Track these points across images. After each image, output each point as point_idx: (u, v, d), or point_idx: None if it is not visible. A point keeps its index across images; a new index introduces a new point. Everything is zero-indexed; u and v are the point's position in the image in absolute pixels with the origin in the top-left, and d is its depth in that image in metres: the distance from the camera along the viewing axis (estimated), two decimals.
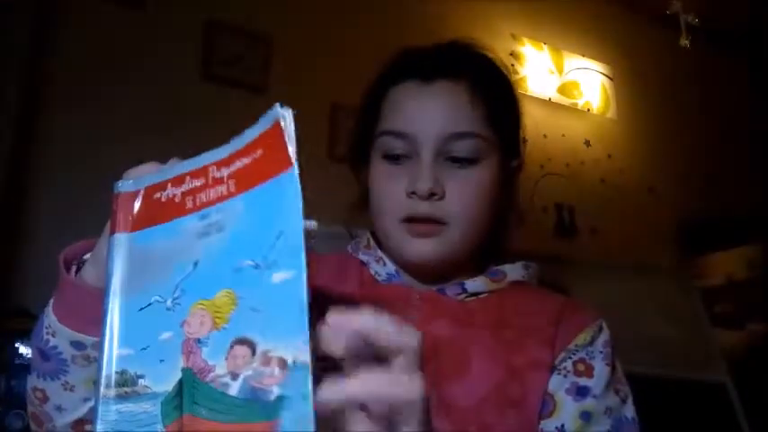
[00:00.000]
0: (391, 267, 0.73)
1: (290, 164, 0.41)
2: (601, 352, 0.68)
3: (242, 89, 2.19)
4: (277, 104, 0.43)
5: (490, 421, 0.62)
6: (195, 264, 0.43)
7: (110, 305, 0.44)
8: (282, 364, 0.37)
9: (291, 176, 0.40)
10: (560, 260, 2.34)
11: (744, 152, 3.22)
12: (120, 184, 0.47)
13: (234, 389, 0.39)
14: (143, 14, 2.08)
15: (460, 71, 0.72)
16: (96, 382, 0.42)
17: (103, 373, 0.42)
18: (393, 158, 0.71)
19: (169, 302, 0.43)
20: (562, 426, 0.63)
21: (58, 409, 0.55)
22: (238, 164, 0.44)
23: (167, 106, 2.00)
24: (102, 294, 0.45)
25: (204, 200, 0.44)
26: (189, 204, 0.44)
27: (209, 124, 2.03)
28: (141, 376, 0.41)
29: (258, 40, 2.27)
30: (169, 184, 0.46)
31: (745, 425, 2.20)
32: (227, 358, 0.39)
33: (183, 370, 0.40)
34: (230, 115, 2.11)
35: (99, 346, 0.43)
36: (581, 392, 0.65)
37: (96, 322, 0.45)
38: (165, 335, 0.42)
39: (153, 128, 1.86)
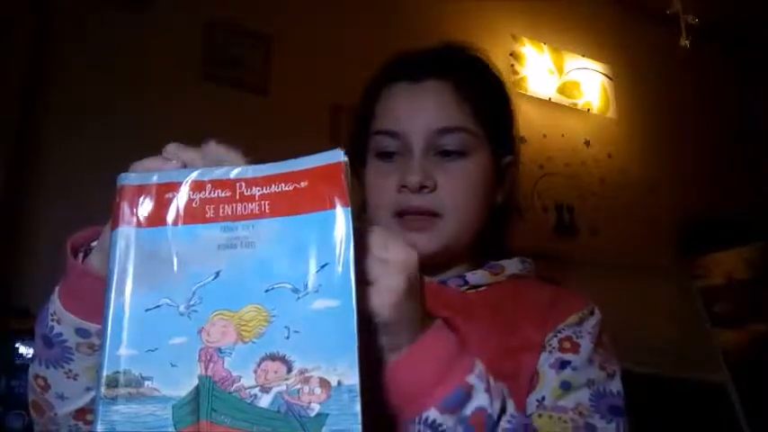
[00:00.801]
0: None
1: (346, 203, 0.43)
2: (590, 333, 0.68)
3: (242, 89, 2.19)
4: (339, 149, 0.45)
5: None
6: (216, 274, 0.43)
7: (112, 302, 0.43)
8: (325, 384, 0.40)
9: (346, 214, 0.43)
10: (560, 260, 2.34)
11: (744, 152, 3.22)
12: (123, 176, 0.47)
13: (265, 401, 0.40)
14: (143, 14, 2.08)
15: (447, 71, 0.75)
16: (97, 381, 0.41)
17: (104, 372, 0.41)
18: (386, 156, 0.73)
19: (182, 307, 0.43)
20: (542, 398, 0.63)
21: (61, 397, 0.55)
22: (275, 188, 0.45)
23: (167, 106, 2.00)
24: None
25: (229, 213, 0.45)
26: (210, 213, 0.45)
27: (210, 124, 2.04)
28: (148, 378, 0.41)
29: (258, 40, 2.27)
30: (185, 187, 0.45)
31: (746, 425, 2.21)
32: (255, 371, 0.41)
33: (201, 377, 0.41)
34: (230, 115, 2.12)
35: (101, 344, 0.42)
36: (563, 366, 0.65)
37: (100, 310, 0.44)
38: (178, 339, 0.42)
39: (153, 128, 1.86)
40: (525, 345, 0.67)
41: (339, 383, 0.39)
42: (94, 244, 0.53)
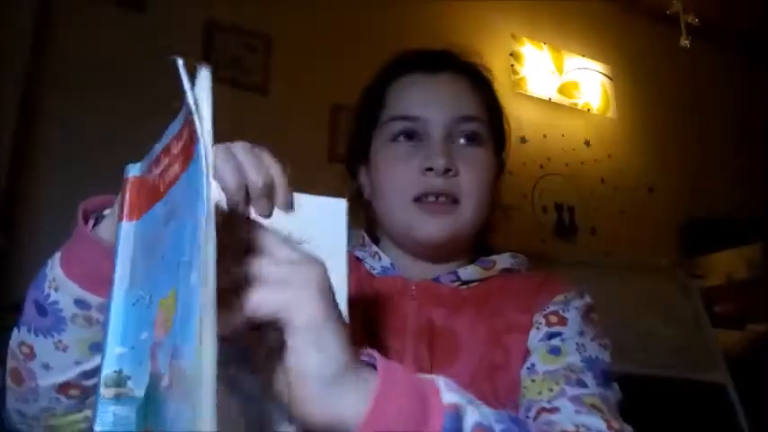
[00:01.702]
0: (386, 261, 0.75)
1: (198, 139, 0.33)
2: (576, 308, 0.68)
3: (242, 89, 2.19)
4: (202, 68, 0.35)
5: (483, 394, 0.63)
6: (162, 257, 0.37)
7: (113, 299, 0.41)
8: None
9: (198, 156, 0.33)
10: (560, 260, 2.34)
11: (744, 152, 3.22)
12: (129, 167, 0.44)
13: (171, 405, 0.33)
14: (143, 14, 2.08)
15: (459, 66, 0.78)
16: (98, 379, 0.40)
17: (103, 371, 0.40)
18: (403, 140, 0.73)
19: (148, 299, 0.38)
20: (532, 365, 0.63)
21: (45, 367, 0.51)
22: (185, 137, 0.37)
23: (167, 107, 1.99)
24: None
25: (167, 181, 0.39)
26: (162, 187, 0.39)
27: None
28: (129, 377, 0.39)
29: (258, 40, 2.27)
30: (153, 166, 0.41)
31: (746, 425, 2.20)
32: (170, 368, 0.33)
33: (150, 375, 0.36)
34: (230, 115, 2.12)
35: (102, 344, 0.41)
36: (551, 337, 0.65)
37: (104, 282, 0.42)
38: (144, 334, 0.38)
39: (153, 128, 1.86)
40: (511, 326, 0.67)
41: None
42: (107, 212, 0.50)
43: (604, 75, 3.10)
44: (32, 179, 1.83)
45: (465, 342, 0.67)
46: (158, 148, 0.41)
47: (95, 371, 0.49)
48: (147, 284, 0.39)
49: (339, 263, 0.41)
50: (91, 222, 0.51)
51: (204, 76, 0.35)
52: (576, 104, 3.00)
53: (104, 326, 0.41)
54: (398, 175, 0.72)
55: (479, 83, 0.78)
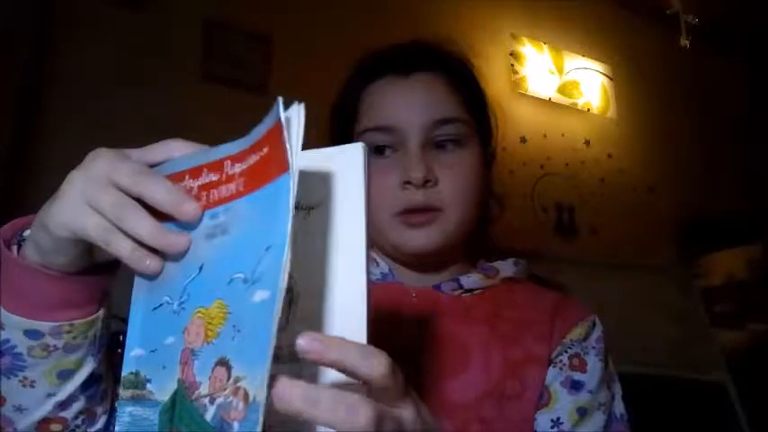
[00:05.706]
0: (384, 267, 0.74)
1: (285, 168, 0.34)
2: (594, 347, 0.69)
3: (242, 89, 2.19)
4: (279, 99, 0.36)
5: (489, 417, 0.63)
6: (200, 267, 0.40)
7: (133, 301, 0.43)
8: (246, 398, 0.33)
9: (286, 182, 0.34)
10: (560, 260, 2.34)
11: (744, 152, 3.22)
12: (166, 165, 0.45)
13: (209, 414, 0.35)
14: (143, 14, 2.07)
15: (433, 63, 0.74)
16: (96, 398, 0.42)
17: (122, 373, 0.41)
18: (378, 153, 0.71)
19: (176, 305, 0.40)
20: (558, 419, 0.64)
21: (18, 409, 0.49)
22: (250, 161, 0.39)
23: (167, 106, 2.00)
24: (49, 271, 0.44)
25: (216, 197, 0.41)
26: (203, 200, 0.41)
27: (210, 124, 2.04)
28: (149, 380, 0.40)
29: (258, 40, 2.27)
30: (187, 175, 0.42)
31: (745, 425, 2.20)
32: (210, 378, 0.36)
33: (178, 381, 0.38)
34: (230, 115, 2.11)
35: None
36: (575, 386, 0.65)
37: (49, 305, 0.43)
38: (170, 339, 0.40)
39: (153, 128, 1.86)
40: (529, 359, 0.67)
41: (254, 398, 0.33)
42: (27, 233, 0.49)
43: (604, 75, 3.10)
44: (33, 180, 1.83)
45: (476, 359, 0.66)
46: (195, 160, 0.42)
47: (72, 400, 0.50)
48: (172, 290, 0.41)
49: (356, 219, 0.39)
50: (15, 248, 0.49)
51: (297, 111, 0.36)
52: (576, 104, 3.00)
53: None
54: (378, 192, 0.68)
55: (456, 77, 0.74)
